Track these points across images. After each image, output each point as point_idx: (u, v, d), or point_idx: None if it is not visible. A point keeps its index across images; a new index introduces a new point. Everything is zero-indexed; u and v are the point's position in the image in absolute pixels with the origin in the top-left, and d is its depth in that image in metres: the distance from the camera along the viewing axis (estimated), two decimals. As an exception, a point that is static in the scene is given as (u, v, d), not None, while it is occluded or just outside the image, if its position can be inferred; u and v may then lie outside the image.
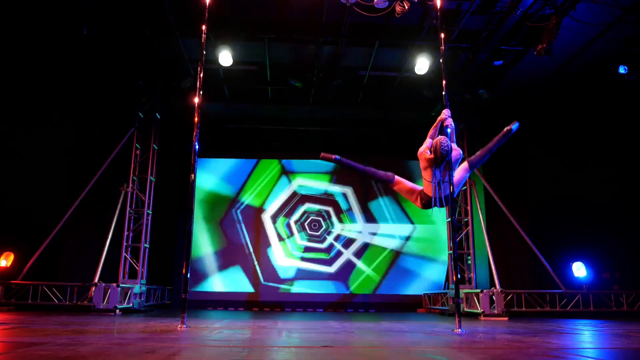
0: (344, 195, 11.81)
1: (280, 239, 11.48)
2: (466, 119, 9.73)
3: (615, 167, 10.11)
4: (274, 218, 11.58)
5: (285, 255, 11.40)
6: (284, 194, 11.75)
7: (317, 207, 11.71)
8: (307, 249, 11.46)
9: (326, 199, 11.78)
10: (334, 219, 11.67)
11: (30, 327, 4.61)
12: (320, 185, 11.87)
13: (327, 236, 11.56)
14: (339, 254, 11.48)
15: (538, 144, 10.16)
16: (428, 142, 4.88)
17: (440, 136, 4.75)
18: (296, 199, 11.73)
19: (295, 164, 11.95)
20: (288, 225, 11.56)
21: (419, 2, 6.92)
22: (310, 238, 11.53)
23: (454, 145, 4.83)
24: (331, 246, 11.50)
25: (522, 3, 7.13)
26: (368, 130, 11.57)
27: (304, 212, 11.66)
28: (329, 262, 11.41)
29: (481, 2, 7.25)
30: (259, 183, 11.75)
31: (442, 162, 4.65)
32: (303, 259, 11.39)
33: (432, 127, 4.96)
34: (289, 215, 11.61)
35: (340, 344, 3.52)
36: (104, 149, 8.95)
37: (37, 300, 7.83)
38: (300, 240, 11.50)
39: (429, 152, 4.75)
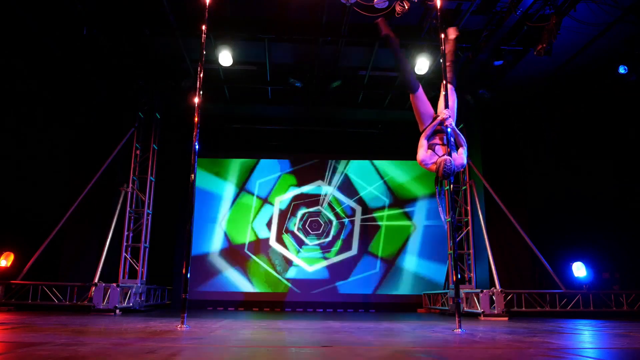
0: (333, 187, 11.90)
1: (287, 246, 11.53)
2: (466, 119, 9.72)
3: (615, 167, 10.10)
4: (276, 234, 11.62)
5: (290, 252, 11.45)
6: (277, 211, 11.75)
7: (310, 209, 11.71)
8: (313, 248, 11.51)
9: (316, 196, 11.82)
10: (330, 213, 11.70)
11: (30, 327, 4.61)
12: (309, 186, 11.92)
13: (327, 233, 11.58)
14: (341, 250, 11.52)
15: (538, 144, 10.15)
16: (424, 144, 4.80)
17: (445, 157, 4.62)
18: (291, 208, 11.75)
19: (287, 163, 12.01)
20: (293, 235, 11.58)
21: (419, 2, 6.91)
22: (316, 237, 11.56)
23: (456, 154, 4.76)
24: (332, 242, 11.53)
25: (522, 3, 7.12)
26: (368, 131, 11.56)
27: (302, 217, 11.66)
28: (330, 259, 11.45)
29: (481, 2, 7.24)
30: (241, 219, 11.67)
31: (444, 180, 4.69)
32: (299, 257, 11.45)
33: (429, 127, 4.85)
34: (289, 227, 11.63)
35: (340, 344, 3.52)
36: (104, 149, 8.95)
37: (37, 300, 7.84)
38: (308, 241, 11.55)
39: (429, 164, 4.72)
